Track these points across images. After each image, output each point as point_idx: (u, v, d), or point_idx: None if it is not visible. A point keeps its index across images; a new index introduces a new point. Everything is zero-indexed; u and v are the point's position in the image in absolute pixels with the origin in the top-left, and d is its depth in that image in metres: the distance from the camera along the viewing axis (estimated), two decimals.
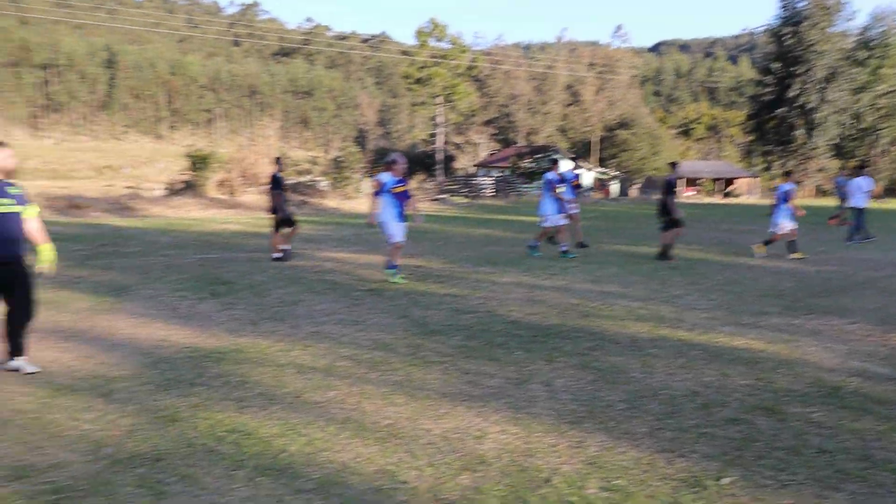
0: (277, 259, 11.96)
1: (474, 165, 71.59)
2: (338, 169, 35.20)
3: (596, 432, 4.43)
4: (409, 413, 4.71)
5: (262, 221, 20.77)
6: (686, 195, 65.22)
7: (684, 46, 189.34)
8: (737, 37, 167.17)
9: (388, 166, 10.01)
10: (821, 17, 46.94)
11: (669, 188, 13.33)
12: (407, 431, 4.38)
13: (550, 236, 13.73)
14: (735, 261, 12.84)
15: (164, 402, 4.82)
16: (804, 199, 47.06)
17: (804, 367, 5.95)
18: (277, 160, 13.03)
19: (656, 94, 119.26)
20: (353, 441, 4.22)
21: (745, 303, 8.80)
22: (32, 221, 5.76)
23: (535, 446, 4.19)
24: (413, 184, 43.27)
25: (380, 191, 9.76)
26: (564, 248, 13.21)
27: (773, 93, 48.77)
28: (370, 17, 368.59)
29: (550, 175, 13.69)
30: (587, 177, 51.45)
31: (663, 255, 12.90)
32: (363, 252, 13.50)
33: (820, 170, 50.79)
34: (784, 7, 49.01)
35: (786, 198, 13.48)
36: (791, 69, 46.99)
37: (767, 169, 52.78)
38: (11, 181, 5.58)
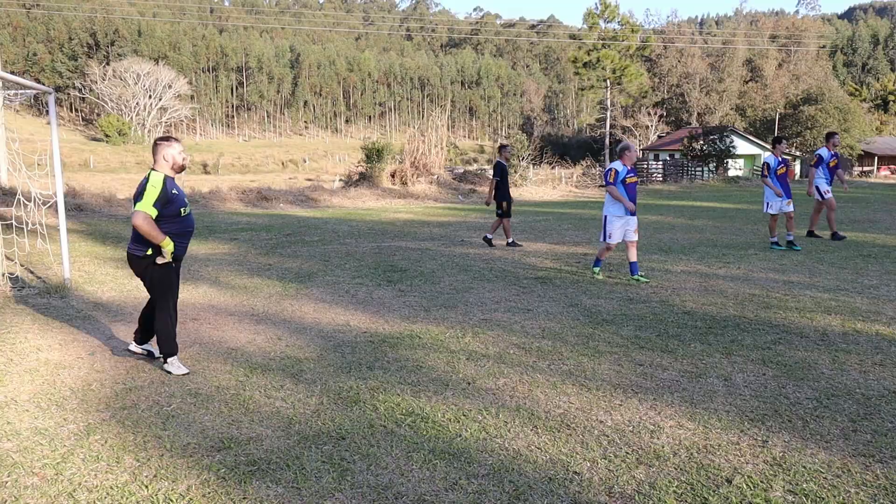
0: (511, 245, 12.59)
1: (642, 149, 69.38)
2: None
3: (781, 431, 4.19)
4: (581, 403, 4.68)
5: (432, 210, 21.36)
6: (882, 174, 59.39)
7: (882, 10, 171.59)
8: None
9: (621, 154, 9.03)
10: None
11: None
12: (579, 422, 4.37)
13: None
14: None
15: (346, 383, 5.12)
16: None
17: None
18: (501, 148, 13.27)
19: (848, 64, 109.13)
20: (525, 429, 4.26)
21: None
22: None
23: (715, 443, 4.03)
24: (578, 170, 42.65)
25: (614, 181, 8.79)
26: (774, 240, 12.04)
27: None
28: (539, 0, 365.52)
29: (769, 158, 12.13)
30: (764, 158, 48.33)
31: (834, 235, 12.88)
32: (530, 240, 13.52)
33: None
34: None
35: None
36: None
37: None
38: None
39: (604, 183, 8.92)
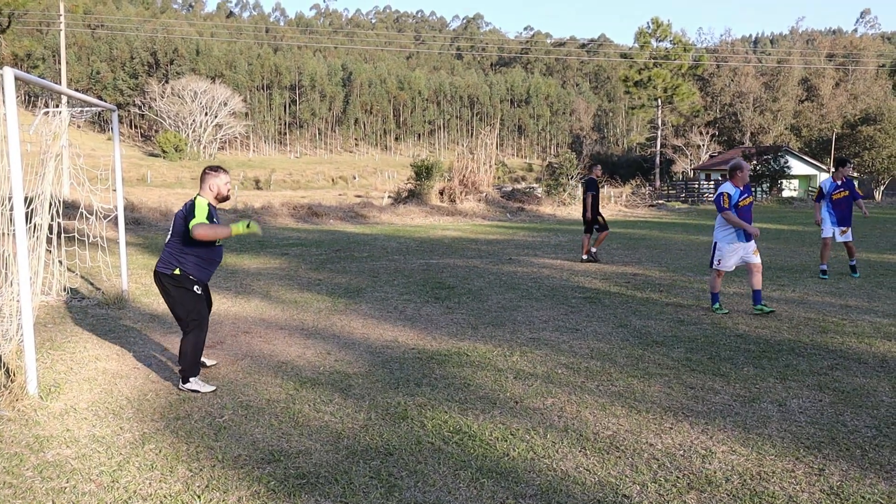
0: (589, 260, 12.97)
1: (693, 169, 68.45)
2: (552, 175, 35.31)
3: (838, 460, 4.07)
4: (630, 426, 4.62)
5: (480, 228, 21.40)
6: None
7: None
8: None
9: (731, 175, 8.17)
10: None
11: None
12: (629, 444, 4.31)
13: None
14: None
15: (394, 399, 5.15)
16: None
17: None
18: (592, 166, 13.69)
19: None
20: (573, 450, 4.23)
21: None
22: None
23: (768, 470, 3.94)
24: (628, 189, 42.26)
25: (728, 206, 7.96)
26: (824, 268, 11.18)
27: None
28: (590, 18, 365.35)
29: (825, 182, 11.24)
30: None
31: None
32: (579, 259, 13.42)
33: None
34: None
35: None
36: None
37: None
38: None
39: (716, 209, 8.13)
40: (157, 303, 8.78)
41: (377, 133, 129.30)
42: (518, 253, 14.44)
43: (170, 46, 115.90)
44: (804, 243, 16.91)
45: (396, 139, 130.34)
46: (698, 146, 72.27)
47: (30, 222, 7.61)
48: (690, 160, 72.28)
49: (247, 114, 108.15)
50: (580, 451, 4.21)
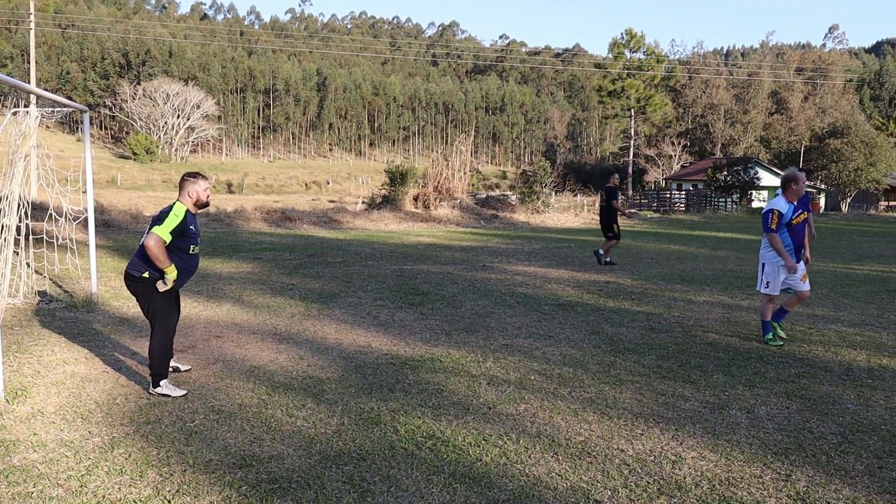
0: (608, 263, 13.73)
1: (665, 179, 69.25)
2: (526, 183, 35.49)
3: (805, 466, 4.14)
4: (602, 432, 4.67)
5: (454, 235, 21.43)
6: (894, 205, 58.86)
7: None
8: None
9: (785, 187, 6.99)
10: None
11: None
12: (600, 450, 4.35)
13: None
14: None
15: (367, 404, 5.14)
16: None
17: None
18: (611, 174, 15.27)
19: (875, 98, 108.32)
20: (545, 455, 4.25)
21: None
22: None
23: (737, 476, 4.00)
24: (600, 198, 42.62)
25: (777, 227, 6.89)
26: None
27: None
28: (565, 28, 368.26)
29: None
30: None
31: None
32: (552, 267, 13.51)
33: None
34: None
35: None
36: None
37: None
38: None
39: (763, 230, 7.04)
40: (126, 306, 8.67)
41: (351, 138, 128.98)
42: (492, 260, 14.49)
43: (142, 47, 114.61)
44: None
45: (371, 145, 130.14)
46: (670, 156, 73.16)
47: None
48: (662, 170, 73.12)
49: (220, 117, 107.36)
50: (552, 457, 4.24)
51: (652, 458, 4.24)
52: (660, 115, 70.41)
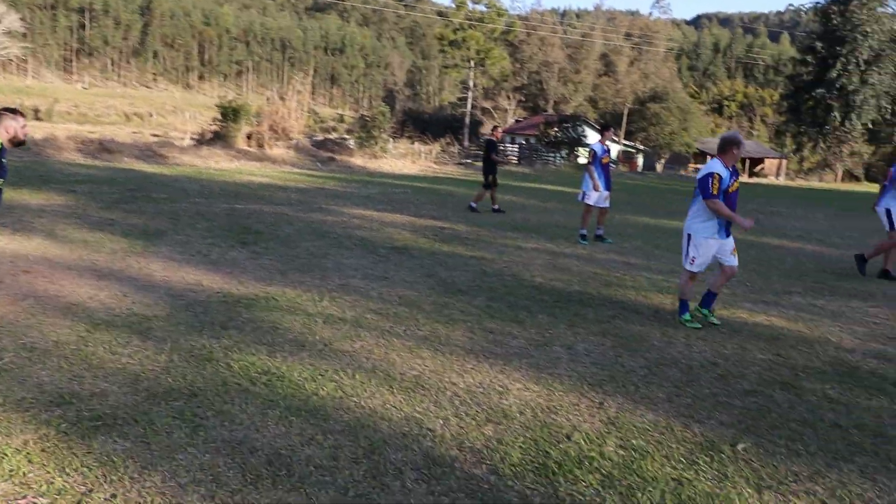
0: (496, 211, 14.34)
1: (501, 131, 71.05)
2: (364, 128, 35.19)
3: (616, 395, 4.54)
4: (435, 367, 4.84)
5: (290, 176, 20.93)
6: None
7: (725, 21, 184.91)
8: (780, 13, 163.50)
9: (723, 150, 6.29)
10: None
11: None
12: (433, 383, 4.52)
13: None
14: (760, 240, 12.77)
15: (198, 342, 5.00)
16: (834, 183, 46.42)
17: (824, 345, 6.00)
18: (494, 129, 15.93)
19: (691, 68, 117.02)
20: (380, 389, 4.36)
21: (768, 281, 8.82)
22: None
23: (557, 404, 4.32)
24: (437, 146, 43.14)
25: (718, 192, 6.17)
26: (583, 232, 11.39)
27: (813, 73, 47.68)
28: None
29: (596, 145, 11.46)
30: (614, 149, 51.00)
31: None
32: (388, 211, 13.60)
33: (852, 153, 49.96)
34: None
35: None
36: (834, 49, 45.83)
37: (798, 150, 51.89)
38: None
39: (702, 196, 6.29)
40: None
41: (179, 69, 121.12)
42: (328, 202, 14.33)
43: None
44: None
45: (200, 78, 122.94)
46: (506, 110, 75.12)
47: None
48: (498, 123, 75.03)
49: (25, 34, 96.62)
50: (387, 390, 4.35)
51: (481, 389, 4.48)
52: (498, 69, 71.93)
